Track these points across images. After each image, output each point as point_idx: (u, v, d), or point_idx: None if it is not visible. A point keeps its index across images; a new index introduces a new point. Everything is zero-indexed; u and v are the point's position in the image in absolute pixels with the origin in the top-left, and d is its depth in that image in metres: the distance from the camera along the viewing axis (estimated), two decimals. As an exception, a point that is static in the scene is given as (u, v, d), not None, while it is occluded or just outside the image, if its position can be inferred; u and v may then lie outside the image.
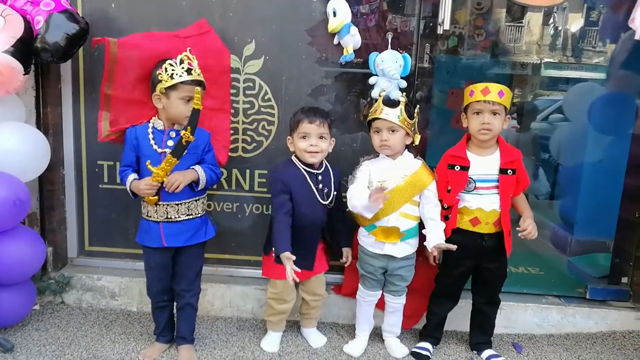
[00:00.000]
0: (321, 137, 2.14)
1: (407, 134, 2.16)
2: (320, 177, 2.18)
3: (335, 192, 2.23)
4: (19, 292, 2.23)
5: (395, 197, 2.14)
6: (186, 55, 1.97)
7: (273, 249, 2.16)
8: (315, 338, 2.38)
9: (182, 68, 1.95)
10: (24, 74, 2.16)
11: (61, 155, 2.61)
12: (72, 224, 2.70)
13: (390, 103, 2.14)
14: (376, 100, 2.22)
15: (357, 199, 2.09)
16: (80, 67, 2.53)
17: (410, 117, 2.15)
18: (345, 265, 2.37)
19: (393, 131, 2.13)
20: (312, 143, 2.12)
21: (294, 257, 2.03)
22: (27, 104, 2.43)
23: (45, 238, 2.59)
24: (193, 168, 2.04)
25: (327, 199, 2.20)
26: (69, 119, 2.59)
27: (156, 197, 1.99)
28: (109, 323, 2.46)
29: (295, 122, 2.16)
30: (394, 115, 2.11)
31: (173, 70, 1.94)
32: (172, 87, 1.96)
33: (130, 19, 2.47)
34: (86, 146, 2.61)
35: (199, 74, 1.99)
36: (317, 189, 2.17)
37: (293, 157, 2.20)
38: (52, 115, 2.54)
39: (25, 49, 2.13)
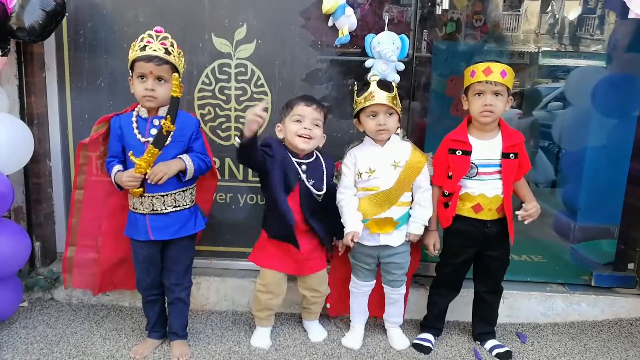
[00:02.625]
0: (316, 125, 2.03)
1: (399, 118, 2.10)
2: (304, 167, 2.05)
3: (326, 185, 2.09)
4: (4, 289, 2.14)
5: (394, 193, 2.07)
6: (148, 34, 1.89)
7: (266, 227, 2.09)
8: (315, 332, 2.30)
9: (139, 46, 1.87)
10: (1, 56, 2.08)
11: (47, 146, 2.51)
12: (60, 217, 2.61)
13: (386, 86, 2.05)
14: (366, 85, 2.07)
15: (343, 214, 2.06)
16: (65, 55, 2.44)
17: (401, 100, 2.10)
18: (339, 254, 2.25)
19: (390, 114, 2.05)
20: (306, 126, 2.00)
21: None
22: (9, 93, 2.33)
23: (32, 233, 2.51)
24: (180, 157, 1.95)
25: (311, 190, 2.05)
26: (55, 108, 2.49)
27: (140, 190, 1.90)
28: (99, 319, 2.38)
29: (289, 106, 2.04)
30: (389, 98, 2.03)
31: (132, 50, 1.89)
32: (132, 68, 1.90)
33: (116, 2, 2.37)
34: (73, 137, 2.51)
35: (154, 50, 1.86)
36: (298, 178, 2.03)
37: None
38: (37, 105, 2.44)
39: (0, 29, 2.05)
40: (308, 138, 2.01)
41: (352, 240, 2.02)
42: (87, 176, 2.15)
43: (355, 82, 2.21)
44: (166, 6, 2.37)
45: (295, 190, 2.03)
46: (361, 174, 2.09)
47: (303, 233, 2.09)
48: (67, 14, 2.26)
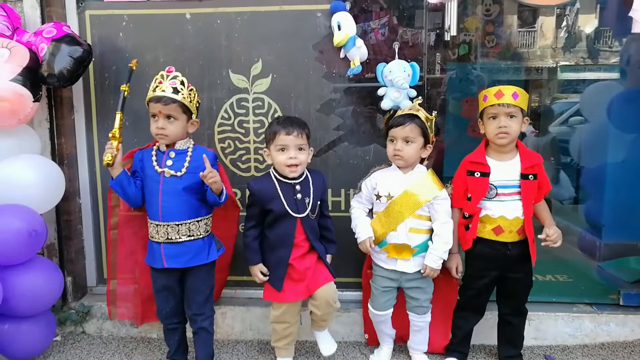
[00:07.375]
0: (300, 149, 2.04)
1: (424, 145, 2.11)
2: (298, 187, 2.07)
3: (318, 201, 2.12)
4: (38, 324, 2.23)
5: (396, 210, 2.09)
6: (161, 74, 2.01)
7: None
8: (325, 343, 2.26)
9: (152, 87, 2.01)
10: (34, 101, 2.20)
11: (77, 184, 2.63)
12: (90, 252, 2.70)
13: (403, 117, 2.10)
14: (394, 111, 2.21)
15: (357, 225, 2.16)
16: (92, 98, 2.57)
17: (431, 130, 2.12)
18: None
19: (408, 142, 2.08)
20: (291, 155, 2.02)
21: (264, 269, 2.10)
22: (41, 136, 2.46)
23: (64, 268, 2.60)
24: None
25: (308, 209, 2.07)
26: (83, 148, 2.61)
27: (110, 160, 1.99)
28: (129, 351, 2.44)
29: (272, 134, 2.04)
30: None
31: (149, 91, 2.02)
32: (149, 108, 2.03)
33: (138, 46, 2.50)
34: (101, 175, 2.62)
35: (162, 90, 1.96)
36: (294, 200, 2.05)
37: (271, 170, 2.11)
38: (67, 146, 2.58)
39: (32, 77, 2.18)
40: (295, 166, 2.04)
41: (370, 246, 2.10)
42: (119, 217, 2.25)
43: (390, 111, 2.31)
44: (185, 46, 2.48)
45: (278, 214, 2.07)
46: (380, 197, 2.13)
47: (304, 255, 2.10)
48: (93, 59, 2.40)
